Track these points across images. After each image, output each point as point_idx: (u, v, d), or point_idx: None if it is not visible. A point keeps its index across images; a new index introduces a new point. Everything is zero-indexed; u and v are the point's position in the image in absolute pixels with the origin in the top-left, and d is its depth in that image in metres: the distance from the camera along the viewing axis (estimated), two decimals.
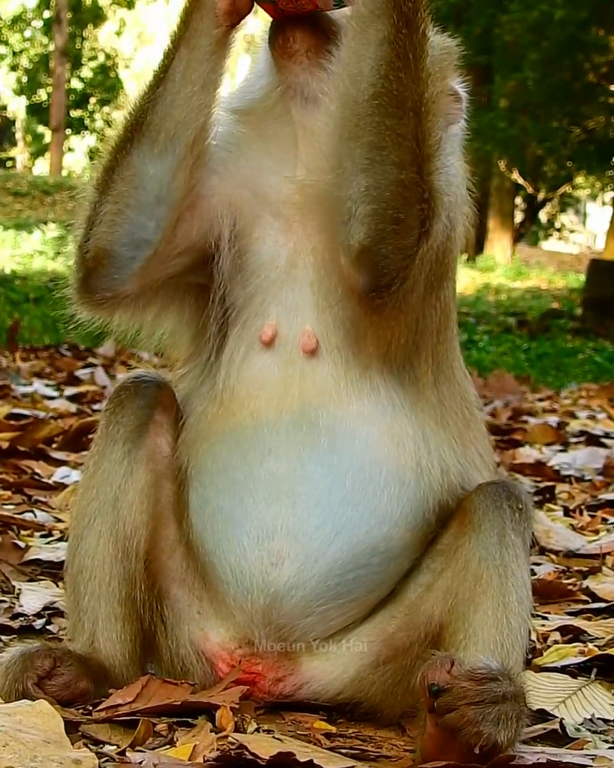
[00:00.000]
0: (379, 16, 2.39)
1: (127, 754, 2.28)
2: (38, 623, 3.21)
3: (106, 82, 48.18)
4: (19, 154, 50.34)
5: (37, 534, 4.20)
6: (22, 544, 3.96)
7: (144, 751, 2.30)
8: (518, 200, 34.97)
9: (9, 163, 49.49)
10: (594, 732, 2.71)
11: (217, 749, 2.29)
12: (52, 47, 42.71)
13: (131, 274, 2.60)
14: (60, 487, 4.97)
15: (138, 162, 2.56)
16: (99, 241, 2.58)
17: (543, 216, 40.17)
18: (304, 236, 2.63)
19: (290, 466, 2.54)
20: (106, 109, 48.34)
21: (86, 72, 48.27)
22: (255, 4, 2.59)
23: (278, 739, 2.38)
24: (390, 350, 2.59)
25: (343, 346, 2.58)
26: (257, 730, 2.46)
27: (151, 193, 2.57)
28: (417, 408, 2.62)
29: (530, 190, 33.29)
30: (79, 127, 48.05)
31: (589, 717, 2.77)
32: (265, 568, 2.54)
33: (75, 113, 47.00)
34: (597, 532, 4.89)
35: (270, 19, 2.63)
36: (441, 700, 2.24)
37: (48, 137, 44.50)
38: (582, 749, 2.53)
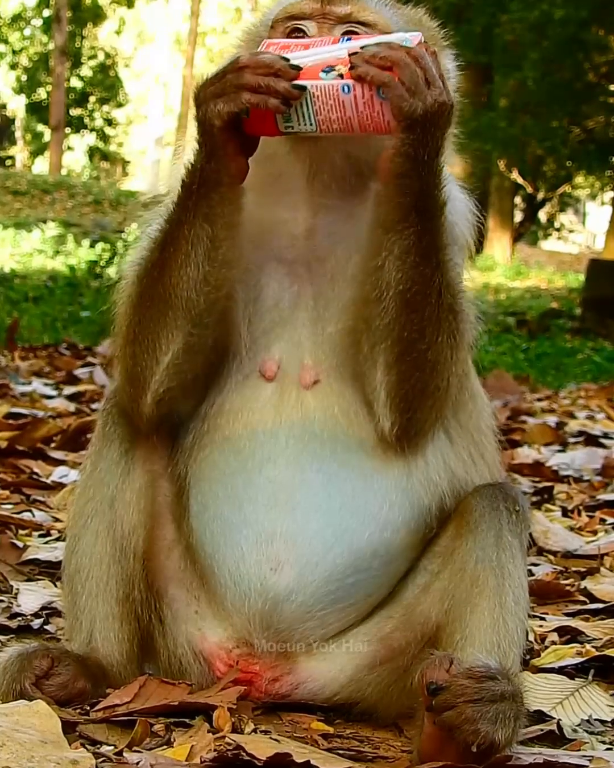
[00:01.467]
0: (402, 220, 2.39)
1: (125, 754, 2.28)
2: (36, 623, 3.21)
3: (106, 81, 48.18)
4: (19, 152, 50.34)
5: (36, 533, 4.20)
6: (20, 544, 3.96)
7: (141, 752, 2.30)
8: (518, 200, 34.96)
9: (8, 162, 49.49)
10: (591, 733, 2.70)
11: (214, 750, 2.29)
12: (51, 46, 42.69)
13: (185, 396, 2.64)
14: (58, 486, 4.96)
15: (179, 333, 2.53)
16: (160, 405, 2.59)
17: (542, 215, 40.15)
18: (307, 282, 2.62)
19: (290, 473, 2.54)
20: (105, 107, 48.35)
21: (86, 71, 48.27)
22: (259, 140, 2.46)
23: (275, 739, 2.38)
24: None
25: (345, 381, 2.57)
26: (254, 730, 2.46)
27: (197, 349, 2.56)
28: None
29: (530, 189, 33.28)
30: (78, 125, 48.04)
31: (586, 718, 2.77)
32: (264, 572, 2.53)
33: (74, 112, 47.00)
34: (595, 532, 4.88)
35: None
36: (439, 698, 2.24)
37: (47, 136, 44.50)
38: (579, 750, 2.53)
